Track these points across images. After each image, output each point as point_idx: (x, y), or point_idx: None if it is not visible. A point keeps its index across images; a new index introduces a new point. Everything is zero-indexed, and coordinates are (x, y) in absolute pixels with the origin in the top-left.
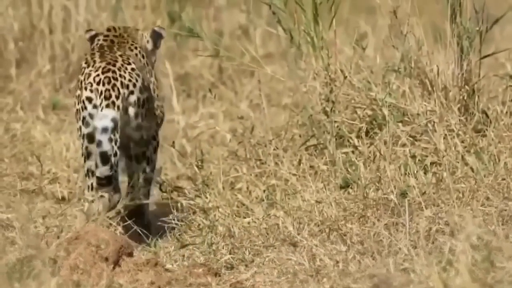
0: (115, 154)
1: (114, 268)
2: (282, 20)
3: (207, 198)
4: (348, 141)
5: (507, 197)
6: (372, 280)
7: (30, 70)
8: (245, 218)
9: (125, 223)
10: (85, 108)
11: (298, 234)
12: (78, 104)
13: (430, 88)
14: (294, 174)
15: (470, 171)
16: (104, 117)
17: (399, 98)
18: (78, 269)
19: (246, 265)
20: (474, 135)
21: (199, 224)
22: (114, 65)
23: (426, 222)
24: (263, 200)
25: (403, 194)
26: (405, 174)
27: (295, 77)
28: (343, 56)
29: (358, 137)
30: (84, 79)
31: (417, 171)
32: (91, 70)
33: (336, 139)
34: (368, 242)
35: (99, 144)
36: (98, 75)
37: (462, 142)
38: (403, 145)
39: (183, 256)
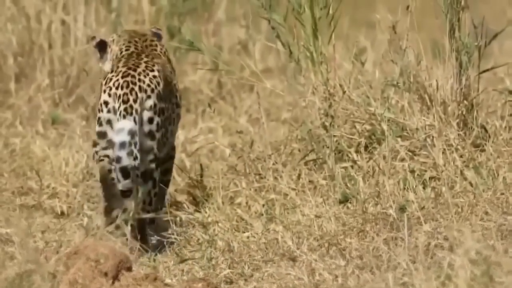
0: (136, 167)
1: (113, 282)
2: (281, 35)
3: (206, 212)
4: (347, 155)
5: (506, 211)
6: None
7: (29, 85)
8: (244, 232)
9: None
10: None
11: (298, 248)
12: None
13: (429, 103)
14: (293, 189)
15: (469, 185)
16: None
17: (398, 113)
18: (78, 284)
19: (246, 280)
20: (473, 150)
21: (198, 239)
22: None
23: (425, 237)
24: (262, 215)
25: (402, 209)
26: (404, 188)
27: (294, 91)
28: (342, 70)
29: (357, 151)
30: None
31: (416, 186)
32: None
33: (335, 154)
34: (367, 256)
35: (118, 160)
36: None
37: (461, 156)
38: (402, 159)
39: (182, 270)
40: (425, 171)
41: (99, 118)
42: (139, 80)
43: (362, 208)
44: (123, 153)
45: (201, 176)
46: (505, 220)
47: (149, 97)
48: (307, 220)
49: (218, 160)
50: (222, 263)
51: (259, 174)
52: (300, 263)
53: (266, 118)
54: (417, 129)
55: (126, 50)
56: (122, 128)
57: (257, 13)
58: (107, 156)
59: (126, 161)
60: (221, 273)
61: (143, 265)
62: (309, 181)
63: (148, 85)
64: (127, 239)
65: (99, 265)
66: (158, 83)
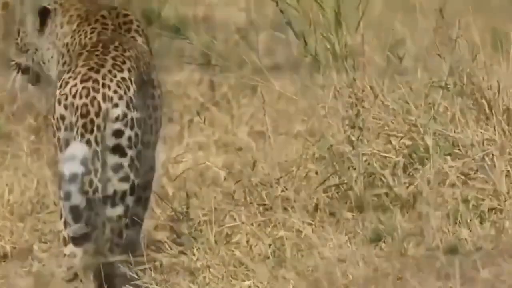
0: (91, 207)
1: None
2: (294, 21)
3: (194, 255)
4: (381, 180)
5: None
6: None
7: None
8: (244, 281)
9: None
10: None
11: None
12: None
13: (488, 111)
14: (309, 224)
15: None
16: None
17: (447, 124)
18: None
19: None
20: None
21: None
22: None
23: (483, 287)
24: (268, 258)
25: (453, 250)
26: (455, 223)
27: (310, 95)
28: (373, 68)
29: (393, 174)
30: None
31: (470, 220)
32: None
33: (364, 178)
34: None
35: (67, 197)
36: None
37: None
38: (452, 185)
39: None
40: (483, 200)
41: (58, 138)
42: (103, 85)
43: (400, 249)
44: (73, 188)
45: (187, 207)
46: None
47: (116, 105)
48: (327, 265)
49: (209, 185)
50: None
51: (264, 204)
52: None
53: (272, 130)
54: (472, 145)
55: (91, 31)
56: (72, 156)
57: None
58: None
59: (77, 199)
60: None
61: None
62: (330, 214)
63: (115, 92)
64: None
65: None
66: (128, 88)
